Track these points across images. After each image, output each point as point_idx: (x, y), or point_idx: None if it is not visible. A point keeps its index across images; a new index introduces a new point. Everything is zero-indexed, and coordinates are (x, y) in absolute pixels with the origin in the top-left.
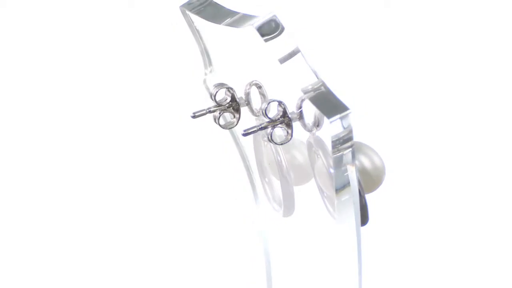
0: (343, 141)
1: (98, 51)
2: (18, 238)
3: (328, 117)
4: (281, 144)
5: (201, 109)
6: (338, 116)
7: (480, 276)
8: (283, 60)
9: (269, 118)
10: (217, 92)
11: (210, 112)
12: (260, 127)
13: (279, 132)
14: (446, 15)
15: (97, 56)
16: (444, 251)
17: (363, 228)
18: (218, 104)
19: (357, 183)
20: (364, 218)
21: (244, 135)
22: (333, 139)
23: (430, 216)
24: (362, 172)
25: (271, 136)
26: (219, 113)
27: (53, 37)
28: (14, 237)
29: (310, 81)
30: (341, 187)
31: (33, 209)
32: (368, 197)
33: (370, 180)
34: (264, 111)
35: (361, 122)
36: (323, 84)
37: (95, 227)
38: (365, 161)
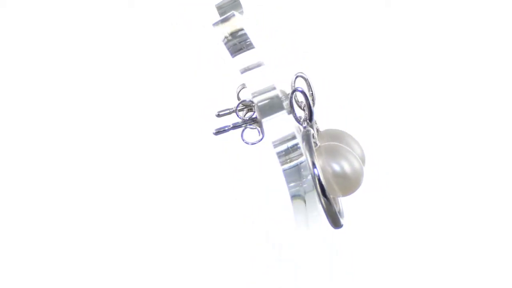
0: (291, 147)
1: (98, 51)
2: (18, 238)
3: (262, 117)
4: (253, 144)
5: (225, 108)
6: (271, 116)
7: (470, 279)
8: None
9: (240, 117)
10: (240, 90)
11: (235, 111)
12: (232, 126)
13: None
14: (447, 15)
15: (97, 56)
16: (434, 253)
17: (343, 230)
18: (244, 105)
19: (322, 188)
20: (335, 222)
21: (216, 134)
22: (274, 143)
23: (420, 217)
24: (339, 175)
25: (242, 136)
26: (246, 112)
27: (53, 37)
28: (14, 237)
29: (262, 85)
30: (295, 195)
31: (33, 209)
32: (359, 199)
33: (347, 183)
34: (236, 111)
35: (361, 122)
36: (273, 87)
37: (102, 230)
38: (344, 164)
